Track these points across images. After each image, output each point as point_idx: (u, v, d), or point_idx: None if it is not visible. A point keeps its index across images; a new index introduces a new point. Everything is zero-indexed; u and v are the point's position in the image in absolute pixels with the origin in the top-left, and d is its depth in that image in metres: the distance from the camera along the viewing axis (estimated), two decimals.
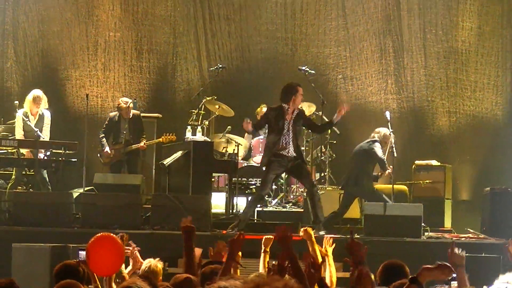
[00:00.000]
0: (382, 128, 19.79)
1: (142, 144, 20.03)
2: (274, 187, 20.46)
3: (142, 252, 12.64)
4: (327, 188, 20.70)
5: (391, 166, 19.53)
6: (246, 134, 20.96)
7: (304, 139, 20.75)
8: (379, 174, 19.69)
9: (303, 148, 20.22)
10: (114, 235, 10.85)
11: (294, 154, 18.24)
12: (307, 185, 18.60)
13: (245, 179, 20.54)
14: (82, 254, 13.96)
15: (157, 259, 11.33)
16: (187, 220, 9.61)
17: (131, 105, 20.28)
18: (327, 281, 11.00)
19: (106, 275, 10.32)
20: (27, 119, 19.70)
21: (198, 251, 11.64)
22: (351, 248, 8.34)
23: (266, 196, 19.53)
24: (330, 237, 12.01)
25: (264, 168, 18.65)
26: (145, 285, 7.54)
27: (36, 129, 19.54)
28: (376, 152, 19.32)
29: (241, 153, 20.65)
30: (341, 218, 19.51)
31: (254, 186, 20.43)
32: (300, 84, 18.58)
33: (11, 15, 23.69)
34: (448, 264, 6.88)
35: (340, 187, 20.02)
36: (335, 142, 21.30)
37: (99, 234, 10.95)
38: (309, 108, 20.90)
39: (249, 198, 19.75)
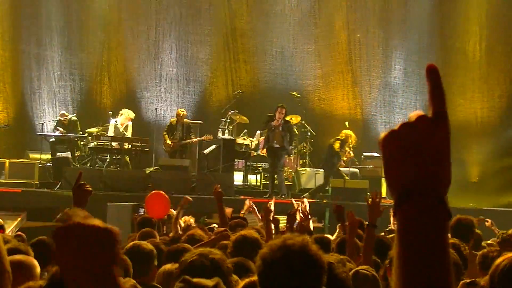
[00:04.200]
0: (346, 131, 19.92)
1: (194, 140, 19.98)
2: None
3: (190, 208, 12.65)
4: (307, 169, 20.74)
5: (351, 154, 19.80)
6: (255, 134, 20.98)
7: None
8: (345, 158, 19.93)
9: (294, 144, 20.49)
10: (161, 192, 10.87)
11: (277, 145, 18.61)
12: (276, 165, 19.05)
13: (255, 163, 20.57)
14: (141, 210, 14.06)
15: (190, 216, 11.34)
16: (216, 187, 9.63)
17: (184, 114, 20.27)
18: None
19: (159, 217, 10.33)
20: (116, 123, 19.75)
21: (229, 210, 11.64)
22: (337, 209, 8.41)
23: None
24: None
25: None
26: (203, 233, 7.49)
27: (123, 131, 19.61)
28: (335, 148, 19.43)
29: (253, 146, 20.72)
30: (323, 190, 19.61)
31: (261, 168, 20.51)
32: (281, 105, 19.06)
33: (106, 56, 23.65)
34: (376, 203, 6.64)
35: (320, 169, 20.14)
36: (312, 140, 21.37)
37: (153, 191, 10.98)
38: (295, 118, 21.01)
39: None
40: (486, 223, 11.79)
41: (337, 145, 19.45)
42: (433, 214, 1.53)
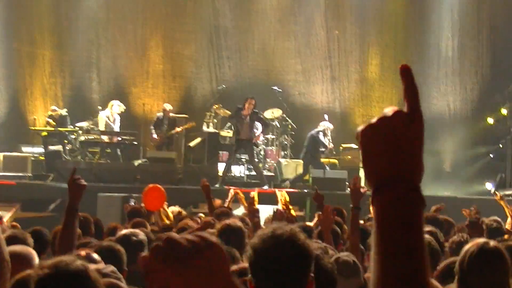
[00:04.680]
0: (324, 122, 20.02)
1: (178, 129, 19.96)
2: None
3: (177, 199, 12.66)
4: (288, 160, 20.79)
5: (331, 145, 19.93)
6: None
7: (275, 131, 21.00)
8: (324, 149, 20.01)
9: (274, 136, 20.56)
10: (159, 185, 10.90)
11: (243, 138, 18.83)
12: (250, 158, 19.19)
13: (239, 155, 20.54)
14: (132, 200, 14.02)
15: (176, 205, 11.37)
16: (204, 181, 9.69)
17: (170, 109, 20.29)
18: None
19: (155, 210, 10.35)
20: (107, 118, 19.75)
21: (219, 201, 11.70)
22: (316, 198, 8.46)
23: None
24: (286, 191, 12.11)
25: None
26: (193, 223, 7.52)
27: (112, 124, 19.62)
28: (320, 139, 19.53)
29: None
30: (302, 179, 19.66)
31: (244, 159, 20.47)
32: (251, 97, 19.14)
33: (95, 53, 23.59)
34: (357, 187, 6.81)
35: (301, 159, 20.17)
36: (293, 132, 21.39)
37: (150, 185, 10.99)
38: (276, 112, 21.07)
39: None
40: (471, 211, 11.39)
41: (321, 136, 19.61)
42: (408, 201, 1.56)
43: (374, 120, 1.62)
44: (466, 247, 4.22)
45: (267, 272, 3.18)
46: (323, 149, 19.95)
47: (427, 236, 4.78)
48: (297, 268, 3.19)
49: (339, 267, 4.95)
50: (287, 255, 3.16)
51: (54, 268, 3.07)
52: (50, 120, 20.03)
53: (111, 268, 4.34)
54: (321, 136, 19.62)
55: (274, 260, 3.15)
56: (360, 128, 1.65)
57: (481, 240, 4.26)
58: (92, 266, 3.77)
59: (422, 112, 1.60)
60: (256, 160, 19.60)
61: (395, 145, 1.58)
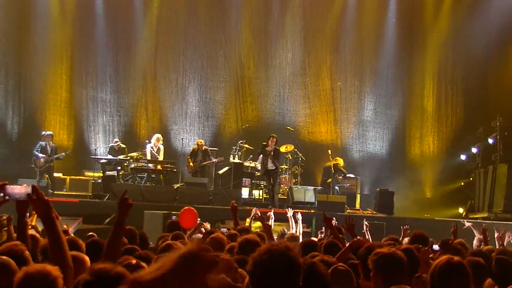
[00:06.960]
0: (337, 158, 20.21)
1: (215, 160, 20.03)
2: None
3: (208, 217, 12.59)
4: (298, 187, 20.72)
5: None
6: (258, 159, 20.96)
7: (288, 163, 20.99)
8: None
9: (287, 167, 20.52)
10: (192, 208, 10.86)
11: (272, 168, 18.96)
12: (274, 183, 19.16)
13: (258, 181, 20.56)
14: (173, 217, 13.96)
15: (207, 222, 11.33)
16: (233, 203, 9.69)
17: (203, 143, 20.35)
18: (298, 233, 10.95)
19: (189, 228, 10.31)
20: (152, 149, 19.81)
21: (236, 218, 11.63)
22: (325, 219, 8.39)
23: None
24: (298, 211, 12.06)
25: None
26: (223, 236, 7.45)
27: (156, 155, 19.67)
28: (340, 169, 19.70)
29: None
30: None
31: (262, 185, 20.45)
32: (272, 135, 19.44)
33: (144, 98, 23.68)
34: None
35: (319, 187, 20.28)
36: (302, 164, 21.37)
37: (185, 207, 10.96)
38: (289, 147, 21.06)
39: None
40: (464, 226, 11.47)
41: (334, 168, 19.87)
42: None
43: None
44: (436, 261, 4.27)
45: (263, 280, 3.10)
46: (341, 176, 20.28)
47: (400, 252, 4.78)
48: (288, 277, 3.10)
49: (336, 275, 4.92)
50: (279, 266, 3.08)
51: (95, 274, 3.14)
52: (110, 156, 20.25)
53: None
54: (336, 168, 19.95)
55: (268, 270, 3.08)
56: None
57: (447, 256, 4.29)
58: None
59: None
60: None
61: None
